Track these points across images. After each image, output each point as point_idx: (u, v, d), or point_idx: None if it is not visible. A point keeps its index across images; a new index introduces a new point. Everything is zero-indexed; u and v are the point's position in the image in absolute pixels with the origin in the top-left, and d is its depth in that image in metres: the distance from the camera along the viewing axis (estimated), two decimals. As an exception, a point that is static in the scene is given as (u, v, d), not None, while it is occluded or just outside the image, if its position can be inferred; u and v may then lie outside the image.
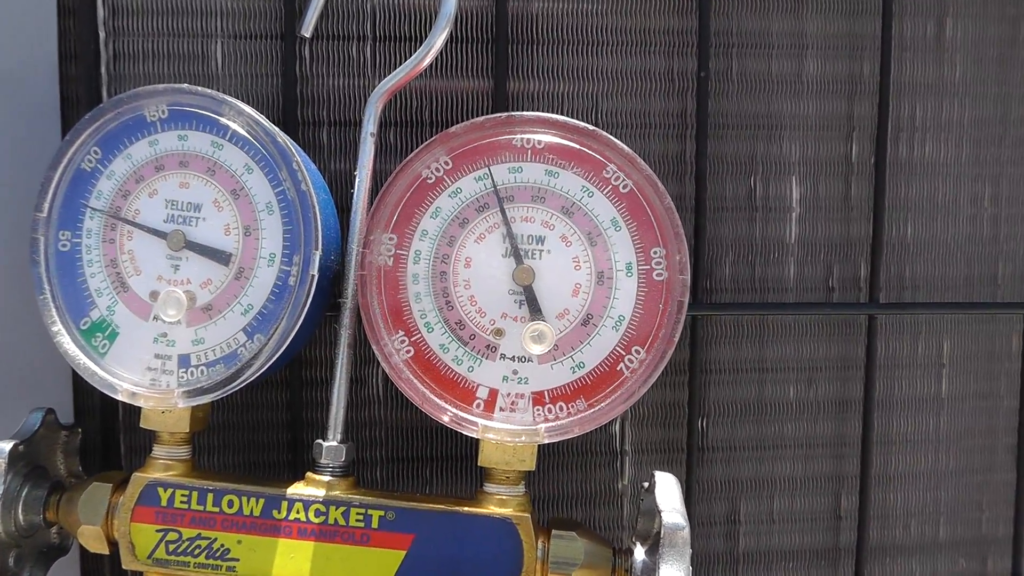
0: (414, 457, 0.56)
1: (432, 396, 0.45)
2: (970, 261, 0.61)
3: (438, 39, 0.48)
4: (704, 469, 0.58)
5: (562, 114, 0.53)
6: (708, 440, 0.58)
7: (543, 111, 0.54)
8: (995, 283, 0.62)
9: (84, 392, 0.55)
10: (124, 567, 0.47)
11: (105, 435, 0.55)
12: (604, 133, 0.45)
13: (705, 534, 0.59)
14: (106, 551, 0.48)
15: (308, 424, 0.54)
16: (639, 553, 0.45)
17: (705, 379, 0.58)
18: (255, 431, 0.56)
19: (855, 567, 0.59)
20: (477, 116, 0.53)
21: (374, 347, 0.45)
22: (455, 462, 0.56)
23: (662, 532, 0.43)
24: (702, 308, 0.56)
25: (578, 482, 0.57)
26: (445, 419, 0.45)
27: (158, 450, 0.48)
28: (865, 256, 0.59)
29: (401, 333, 0.46)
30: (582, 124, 0.46)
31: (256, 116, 0.47)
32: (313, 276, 0.45)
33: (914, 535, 0.62)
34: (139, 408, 0.48)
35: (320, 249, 0.45)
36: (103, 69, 0.54)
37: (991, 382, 0.62)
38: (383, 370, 0.54)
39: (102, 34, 0.53)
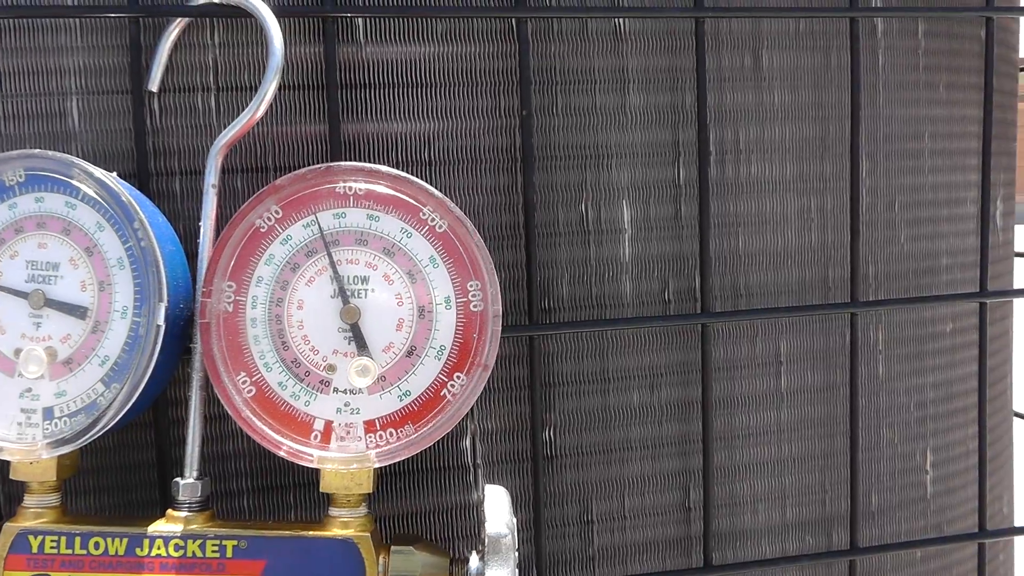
0: (279, 485, 0.60)
1: (269, 432, 0.49)
2: (802, 267, 0.66)
3: (268, 90, 0.52)
4: (554, 475, 0.63)
5: (398, 152, 0.58)
6: (556, 448, 0.63)
7: (379, 151, 0.59)
8: (826, 285, 0.67)
9: (-39, 444, 0.58)
10: (0, 612, 0.50)
11: (-17, 484, 0.58)
12: (417, 180, 0.50)
13: (559, 535, 0.64)
14: (-18, 599, 0.51)
15: (176, 462, 0.58)
16: (474, 560, 0.50)
17: (550, 392, 0.62)
18: (126, 472, 0.59)
19: (703, 553, 0.64)
20: (317, 158, 0.58)
21: (215, 388, 0.49)
22: (315, 487, 0.59)
23: (486, 540, 0.47)
24: (538, 328, 0.60)
25: (435, 496, 0.62)
26: (282, 452, 0.49)
27: (28, 499, 0.51)
28: (698, 269, 0.64)
29: (243, 374, 0.49)
30: (396, 172, 0.50)
31: (102, 177, 0.50)
32: (159, 326, 0.49)
33: (763, 519, 0.67)
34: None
35: (165, 300, 0.49)
36: (-37, 134, 0.57)
37: (828, 375, 0.68)
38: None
39: (-40, 98, 0.56)
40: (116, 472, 0.59)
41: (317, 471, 0.50)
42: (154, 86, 0.55)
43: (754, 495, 0.67)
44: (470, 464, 0.62)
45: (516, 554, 0.48)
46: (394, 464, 0.59)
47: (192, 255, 0.54)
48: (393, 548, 0.50)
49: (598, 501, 0.64)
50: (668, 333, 0.64)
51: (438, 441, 0.60)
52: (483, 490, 0.51)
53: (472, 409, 0.61)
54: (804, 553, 0.69)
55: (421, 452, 0.60)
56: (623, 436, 0.64)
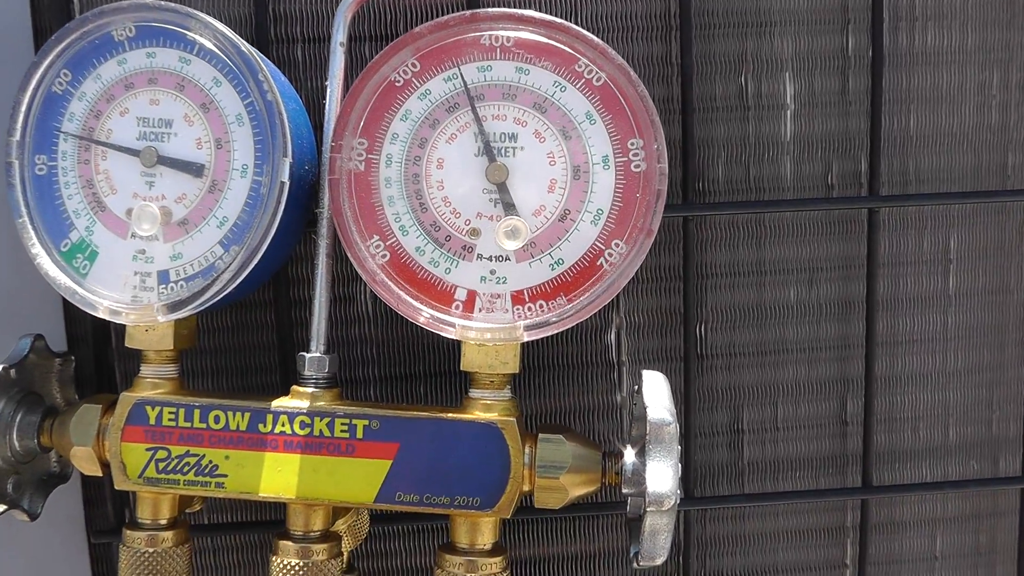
0: (407, 374, 0.56)
1: (407, 297, 0.44)
2: (978, 151, 0.59)
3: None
4: (704, 377, 0.57)
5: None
6: (707, 347, 0.57)
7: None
8: (1004, 173, 0.59)
9: (76, 321, 0.55)
10: (116, 488, 0.47)
11: (98, 363, 0.55)
12: (573, 26, 0.44)
13: (708, 444, 0.58)
14: (99, 473, 0.49)
15: (297, 344, 0.54)
16: (629, 455, 0.45)
17: (701, 284, 0.57)
18: (245, 353, 0.55)
19: (862, 473, 0.58)
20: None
21: (347, 252, 0.45)
22: (449, 377, 0.56)
23: (648, 428, 0.42)
24: (694, 208, 0.54)
25: (576, 395, 0.57)
26: (421, 320, 0.44)
27: (145, 369, 0.48)
28: (865, 150, 0.57)
29: (376, 237, 0.45)
30: (550, 18, 0.44)
31: (223, 29, 0.46)
32: (283, 183, 0.45)
33: (923, 438, 0.61)
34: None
35: (290, 156, 0.45)
36: (75, -1, 0.53)
37: (1001, 276, 0.60)
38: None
39: (70, -40, 0.53)
40: (234, 353, 0.55)
41: (453, 357, 0.46)
42: None
43: (915, 411, 0.60)
44: (614, 360, 0.56)
45: (680, 447, 0.42)
46: (532, 357, 0.55)
47: (317, 126, 0.49)
48: (540, 436, 0.45)
49: (750, 408, 0.58)
50: (830, 221, 0.58)
51: (580, 334, 0.56)
52: (626, 383, 0.46)
53: (617, 299, 0.55)
54: (969, 479, 0.61)
55: (562, 346, 0.55)
56: (778, 336, 0.58)
